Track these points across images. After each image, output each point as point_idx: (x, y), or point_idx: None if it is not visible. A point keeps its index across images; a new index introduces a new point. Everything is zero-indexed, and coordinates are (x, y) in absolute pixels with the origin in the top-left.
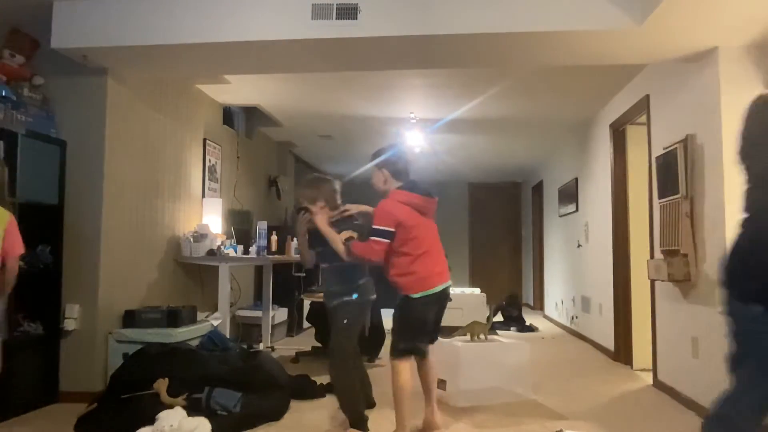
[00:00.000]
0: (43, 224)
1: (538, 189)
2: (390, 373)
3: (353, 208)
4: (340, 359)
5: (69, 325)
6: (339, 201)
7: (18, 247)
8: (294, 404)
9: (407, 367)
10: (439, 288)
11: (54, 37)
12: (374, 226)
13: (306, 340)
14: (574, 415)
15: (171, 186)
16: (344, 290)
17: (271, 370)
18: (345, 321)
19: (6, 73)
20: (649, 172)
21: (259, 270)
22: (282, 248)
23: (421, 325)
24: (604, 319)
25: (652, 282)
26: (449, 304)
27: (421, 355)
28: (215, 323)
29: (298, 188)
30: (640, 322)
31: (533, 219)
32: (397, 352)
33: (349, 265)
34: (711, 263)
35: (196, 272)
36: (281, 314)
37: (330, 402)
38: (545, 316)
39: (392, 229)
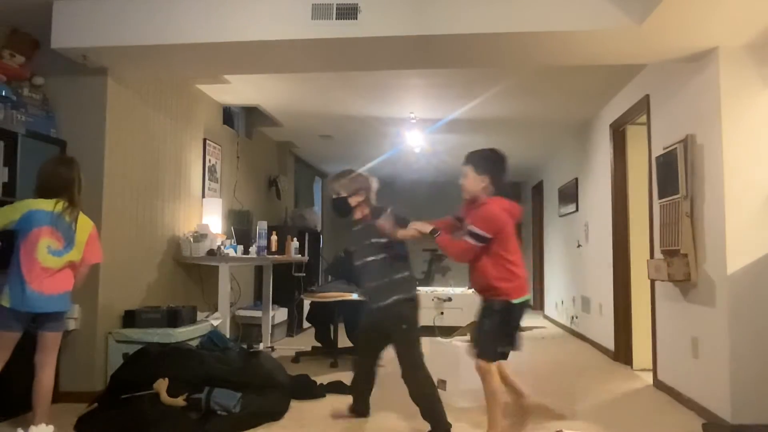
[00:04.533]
0: None
1: (538, 189)
2: (382, 377)
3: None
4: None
5: (69, 325)
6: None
7: (96, 256)
8: (294, 404)
9: (495, 370)
10: (529, 294)
11: (54, 37)
12: (476, 230)
13: (306, 340)
14: (574, 415)
15: (171, 186)
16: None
17: (271, 370)
18: (404, 327)
19: (6, 73)
20: (649, 172)
21: (259, 270)
22: (282, 248)
23: (516, 329)
24: (604, 319)
25: (652, 282)
26: (449, 304)
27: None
28: (215, 323)
29: (337, 179)
30: (640, 322)
31: (533, 219)
32: (494, 356)
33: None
34: (711, 263)
35: (196, 272)
36: (281, 314)
37: (330, 402)
38: (545, 316)
39: (490, 236)
